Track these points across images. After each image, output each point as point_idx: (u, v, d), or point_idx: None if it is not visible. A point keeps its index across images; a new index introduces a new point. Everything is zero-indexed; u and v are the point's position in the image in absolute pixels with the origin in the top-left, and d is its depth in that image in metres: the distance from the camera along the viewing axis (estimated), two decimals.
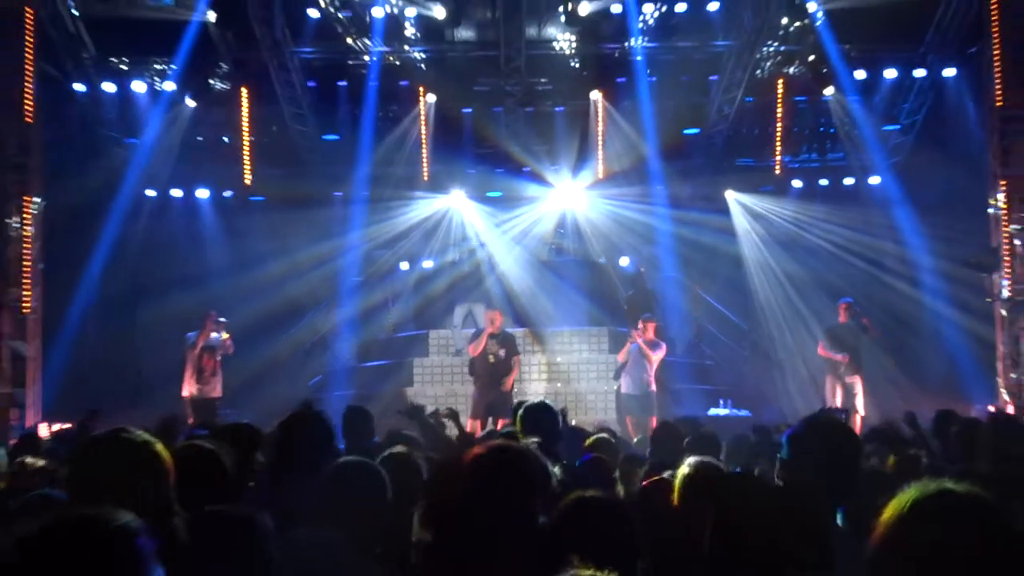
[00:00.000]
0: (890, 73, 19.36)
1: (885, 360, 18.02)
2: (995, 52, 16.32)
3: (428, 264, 20.50)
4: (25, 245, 17.11)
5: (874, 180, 19.93)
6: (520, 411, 7.18)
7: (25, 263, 17.11)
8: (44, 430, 14.70)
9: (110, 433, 3.48)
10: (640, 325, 15.81)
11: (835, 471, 4.01)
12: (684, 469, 4.59)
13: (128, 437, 3.37)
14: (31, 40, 16.84)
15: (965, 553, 2.16)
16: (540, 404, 7.25)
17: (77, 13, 18.20)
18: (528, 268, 19.71)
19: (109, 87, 19.15)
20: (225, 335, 15.98)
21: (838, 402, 15.49)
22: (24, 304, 17.04)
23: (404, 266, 20.78)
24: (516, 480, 3.25)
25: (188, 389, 15.88)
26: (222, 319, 16.15)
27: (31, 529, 1.99)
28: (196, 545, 3.50)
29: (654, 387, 15.70)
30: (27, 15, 16.43)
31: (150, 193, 20.07)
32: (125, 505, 2.48)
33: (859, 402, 15.67)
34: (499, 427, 12.73)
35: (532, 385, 17.67)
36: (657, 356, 15.66)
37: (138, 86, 19.36)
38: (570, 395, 17.24)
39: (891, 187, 19.44)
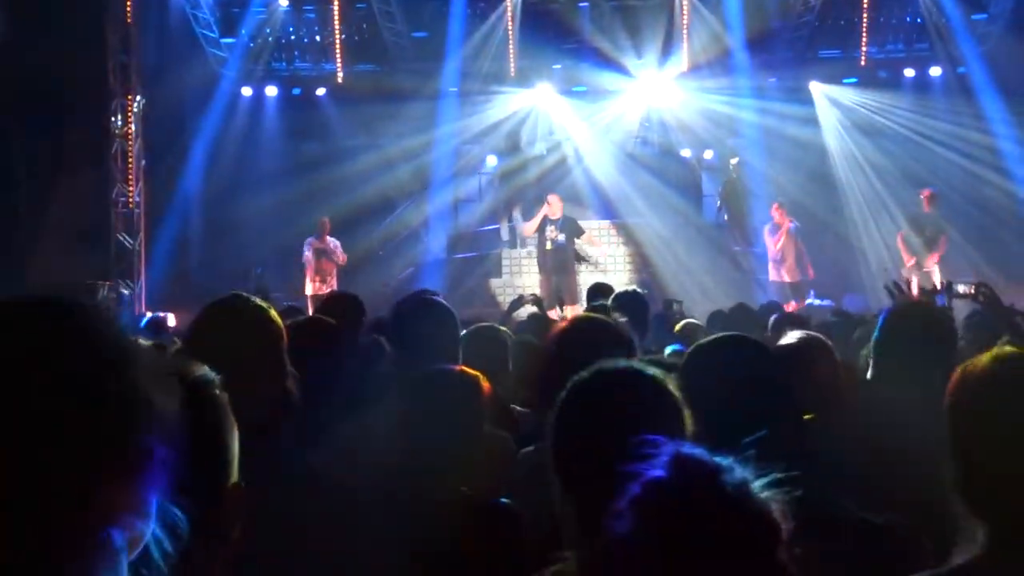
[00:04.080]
0: None
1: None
2: None
3: (516, 157, 20.76)
4: (128, 142, 17.79)
5: (961, 70, 19.71)
6: (613, 295, 7.47)
7: (129, 160, 17.81)
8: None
9: (226, 298, 3.55)
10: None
11: (925, 357, 3.97)
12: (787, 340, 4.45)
13: (244, 301, 3.43)
14: None
15: None
16: (632, 292, 7.54)
17: None
18: (613, 161, 19.94)
19: None
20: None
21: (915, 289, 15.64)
22: (129, 199, 17.78)
23: (492, 160, 21.07)
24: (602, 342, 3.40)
25: (311, 288, 16.84)
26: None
27: None
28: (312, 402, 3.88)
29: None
30: None
31: (246, 91, 20.56)
32: (241, 365, 2.57)
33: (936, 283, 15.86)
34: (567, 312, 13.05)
35: (617, 276, 18.00)
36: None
37: None
38: (654, 286, 17.52)
39: (979, 77, 19.20)
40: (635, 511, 1.48)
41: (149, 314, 14.59)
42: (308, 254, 17.24)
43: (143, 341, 6.64)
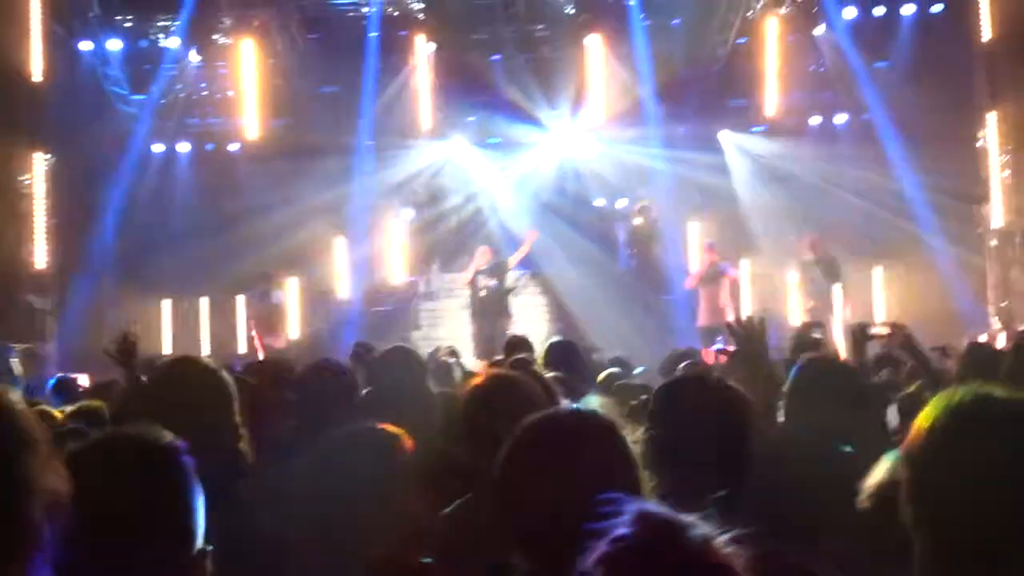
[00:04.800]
0: (879, 10, 19.53)
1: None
2: None
3: (432, 209, 20.78)
4: (36, 201, 17.54)
5: (865, 117, 20.12)
6: (547, 346, 7.45)
7: (37, 219, 17.55)
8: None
9: (177, 361, 3.64)
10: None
11: (831, 407, 4.17)
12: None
13: (195, 364, 3.50)
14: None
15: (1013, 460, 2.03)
16: (565, 342, 7.53)
17: None
18: (530, 211, 20.07)
19: (115, 44, 19.42)
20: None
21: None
22: (38, 259, 17.49)
23: (408, 213, 21.07)
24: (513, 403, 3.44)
25: (258, 342, 16.69)
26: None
27: (71, 450, 1.95)
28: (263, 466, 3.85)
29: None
30: None
31: (157, 148, 20.40)
32: (192, 429, 2.77)
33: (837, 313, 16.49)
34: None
35: (537, 325, 18.06)
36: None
37: (143, 43, 19.72)
38: (574, 334, 17.55)
39: (881, 123, 19.62)
40: (602, 569, 1.51)
41: (60, 375, 14.30)
42: (250, 312, 17.34)
43: (47, 407, 6.55)
